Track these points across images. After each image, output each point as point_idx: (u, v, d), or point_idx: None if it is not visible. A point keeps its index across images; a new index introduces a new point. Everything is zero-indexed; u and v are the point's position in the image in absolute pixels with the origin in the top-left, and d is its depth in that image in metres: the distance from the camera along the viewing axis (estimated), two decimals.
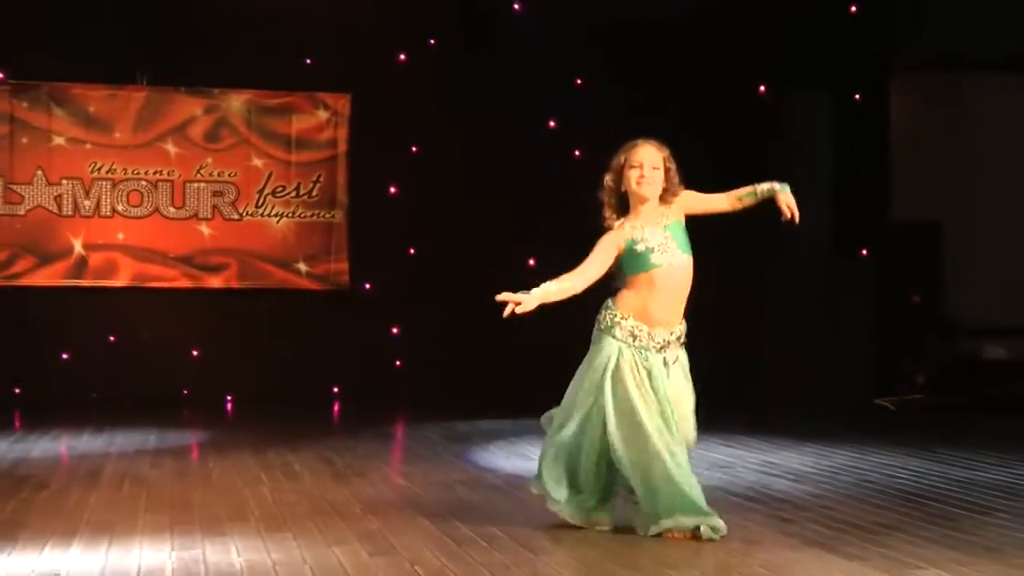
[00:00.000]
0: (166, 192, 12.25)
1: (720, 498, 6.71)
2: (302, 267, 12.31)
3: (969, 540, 5.67)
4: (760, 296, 12.15)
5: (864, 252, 12.47)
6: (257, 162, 12.36)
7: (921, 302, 12.76)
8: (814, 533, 5.83)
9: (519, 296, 5.55)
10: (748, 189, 5.91)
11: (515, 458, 8.42)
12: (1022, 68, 12.49)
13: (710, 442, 9.11)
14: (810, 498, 6.81)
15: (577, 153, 12.05)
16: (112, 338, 11.98)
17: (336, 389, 12.37)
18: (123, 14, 11.69)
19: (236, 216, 12.30)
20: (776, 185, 5.91)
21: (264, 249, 12.36)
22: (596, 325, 5.83)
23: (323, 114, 12.53)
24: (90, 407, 11.69)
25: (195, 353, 12.10)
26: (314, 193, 12.43)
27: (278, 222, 12.37)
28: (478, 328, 12.04)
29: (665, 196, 5.83)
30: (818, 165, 12.46)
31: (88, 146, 12.12)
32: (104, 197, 12.14)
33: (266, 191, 12.38)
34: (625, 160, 5.83)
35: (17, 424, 10.59)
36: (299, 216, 12.38)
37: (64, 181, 12.07)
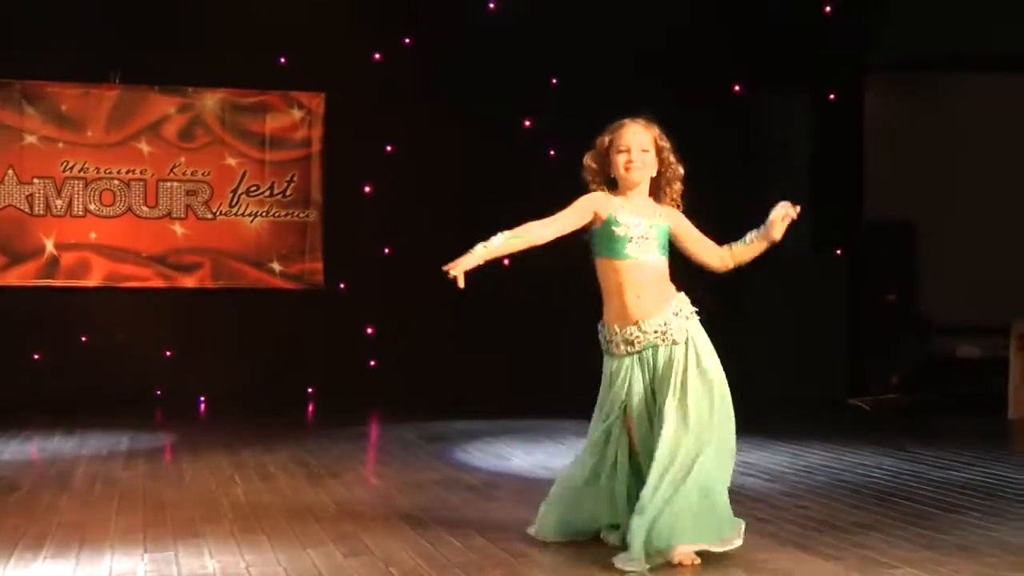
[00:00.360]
0: (139, 191, 12.19)
1: None
2: (276, 267, 12.28)
3: (944, 539, 5.69)
4: (734, 294, 12.17)
5: (839, 251, 12.53)
6: (231, 161, 12.32)
7: (896, 301, 12.81)
8: (790, 533, 5.85)
9: (458, 261, 5.06)
10: (740, 246, 5.51)
11: (491, 458, 8.43)
12: (997, 67, 12.55)
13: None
14: (785, 498, 6.84)
15: (553, 152, 12.05)
16: (84, 338, 11.92)
17: (310, 389, 12.34)
18: (96, 12, 11.61)
19: (210, 215, 12.26)
20: (763, 231, 5.45)
21: (238, 249, 12.32)
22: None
23: (297, 113, 12.49)
24: (62, 408, 11.63)
25: (168, 353, 12.05)
26: (288, 192, 12.40)
27: (252, 221, 12.33)
28: (453, 328, 12.13)
29: (661, 183, 5.37)
30: (793, 164, 12.53)
31: (60, 145, 12.05)
32: (76, 196, 12.07)
33: (240, 190, 12.34)
34: (611, 142, 5.35)
35: None
36: (273, 215, 12.34)
37: (36, 180, 12.00)
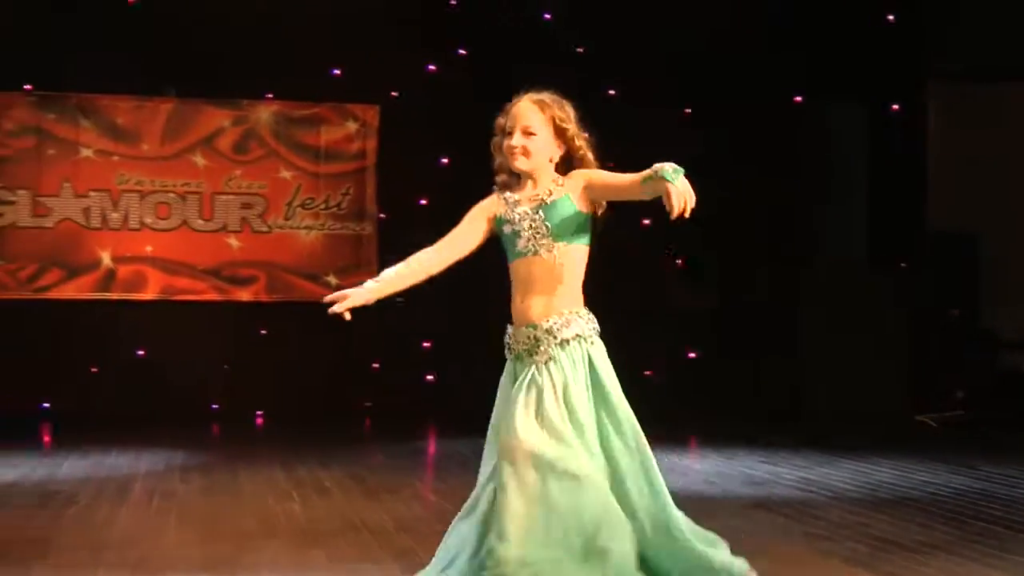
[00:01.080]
0: (194, 204, 12.29)
1: (757, 516, 6.68)
2: (332, 280, 12.31)
3: (1013, 560, 5.62)
4: (795, 309, 12.13)
5: (902, 264, 12.42)
6: (285, 174, 12.39)
7: (960, 315, 12.67)
8: (853, 552, 5.79)
9: (348, 291, 4.57)
10: (648, 172, 4.29)
11: None
12: None
13: (746, 459, 9.09)
14: (849, 516, 6.77)
15: (612, 166, 12.01)
16: (141, 352, 12.01)
17: (368, 404, 12.37)
18: (150, 25, 11.73)
19: (265, 228, 12.33)
20: (668, 171, 4.18)
21: (293, 262, 12.38)
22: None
23: (352, 125, 12.55)
24: (119, 421, 11.74)
25: (225, 367, 12.12)
26: (343, 205, 12.45)
27: (307, 234, 12.40)
28: None
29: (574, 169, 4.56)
30: (855, 177, 12.44)
31: (116, 158, 12.17)
32: (132, 209, 12.18)
33: (295, 203, 12.41)
34: (504, 124, 4.62)
35: (46, 439, 10.65)
36: (328, 228, 12.39)
37: (92, 193, 12.12)
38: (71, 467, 8.73)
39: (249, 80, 12.17)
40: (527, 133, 4.53)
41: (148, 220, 12.20)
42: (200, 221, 12.30)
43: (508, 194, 4.57)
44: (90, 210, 12.10)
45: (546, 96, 4.72)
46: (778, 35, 12.19)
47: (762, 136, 12.22)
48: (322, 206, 12.39)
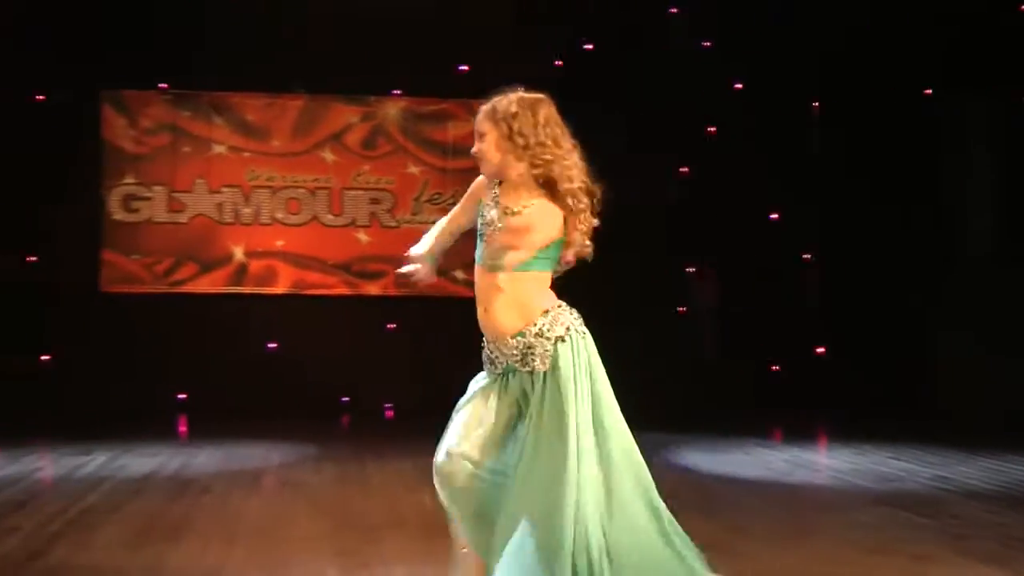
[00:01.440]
0: (324, 199, 12.48)
1: (889, 513, 6.60)
2: (459, 275, 12.39)
3: None
4: (929, 304, 11.94)
5: None
6: (413, 169, 12.52)
7: None
8: (989, 551, 5.69)
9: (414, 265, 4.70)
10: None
11: (720, 461, 8.39)
12: None
13: (878, 454, 8.97)
14: (985, 514, 6.65)
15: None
16: (272, 345, 12.22)
17: None
18: (279, 23, 11.93)
19: (393, 223, 12.46)
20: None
21: None
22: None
23: None
24: (251, 413, 11.98)
25: (354, 360, 12.27)
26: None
27: None
28: (647, 337, 12.14)
29: (552, 178, 4.38)
30: (981, 169, 12.19)
31: (247, 154, 12.41)
32: (263, 205, 12.41)
33: (423, 198, 12.53)
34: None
35: (182, 430, 10.91)
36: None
37: (224, 189, 12.38)
38: (206, 457, 8.93)
39: (377, 77, 12.31)
40: (480, 136, 4.44)
41: (279, 215, 12.42)
42: (329, 216, 12.49)
43: (496, 190, 4.45)
44: (223, 206, 12.35)
45: (503, 102, 4.50)
46: (908, 28, 11.98)
47: (890, 131, 12.04)
48: (450, 201, 12.46)
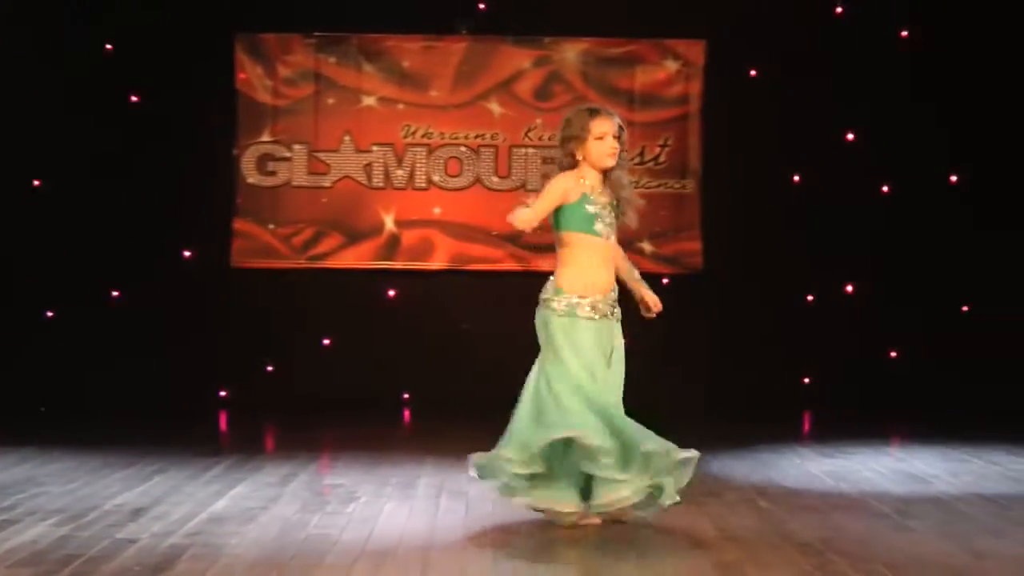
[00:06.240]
0: (489, 159, 12.54)
1: None
2: (646, 247, 12.36)
3: None
4: None
5: None
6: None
7: None
8: None
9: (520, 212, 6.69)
10: (638, 279, 7.08)
11: (906, 480, 8.24)
12: None
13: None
14: None
15: None
16: (428, 327, 12.31)
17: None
18: None
19: None
20: (644, 285, 7.05)
21: None
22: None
23: (672, 65, 12.54)
24: (403, 406, 12.13)
25: (524, 347, 12.27)
26: (661, 159, 12.46)
27: None
28: (864, 316, 11.99)
29: (611, 171, 6.84)
30: None
31: (401, 107, 12.53)
32: (419, 166, 12.52)
33: None
34: (590, 129, 6.79)
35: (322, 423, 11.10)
36: (643, 186, 12.35)
37: (374, 148, 12.52)
38: (347, 459, 9.05)
39: (553, 14, 12.30)
40: (615, 137, 6.85)
41: (436, 178, 12.52)
42: (495, 179, 12.54)
43: (583, 179, 6.85)
44: (372, 167, 12.49)
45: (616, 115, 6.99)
46: None
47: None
48: (636, 160, 12.41)
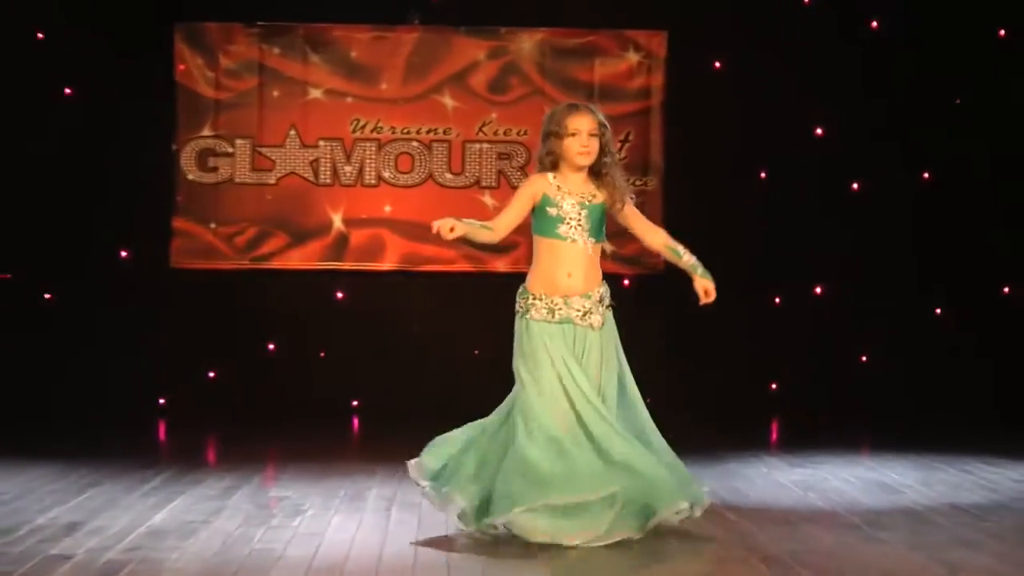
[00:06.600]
0: (442, 155, 12.53)
1: None
2: (606, 246, 12.32)
3: None
4: None
5: None
6: None
7: None
8: None
9: (450, 220, 6.60)
10: (678, 248, 7.13)
11: (876, 490, 8.27)
12: None
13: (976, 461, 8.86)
14: None
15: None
16: (378, 332, 12.29)
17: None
18: None
19: None
20: (700, 268, 7.12)
21: None
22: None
23: (633, 57, 12.57)
24: (352, 414, 12.11)
25: (476, 352, 12.30)
26: (622, 155, 12.47)
27: None
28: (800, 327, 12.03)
29: (599, 170, 6.83)
30: None
31: (349, 100, 12.51)
32: (368, 161, 12.50)
33: None
34: (564, 126, 6.77)
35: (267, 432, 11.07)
36: None
37: (321, 143, 12.49)
38: (296, 469, 9.02)
39: (508, 3, 12.32)
40: (591, 135, 6.80)
41: (387, 174, 12.50)
42: (449, 175, 12.53)
43: (556, 180, 6.85)
44: (319, 163, 12.47)
45: (599, 111, 6.97)
46: None
47: None
48: None
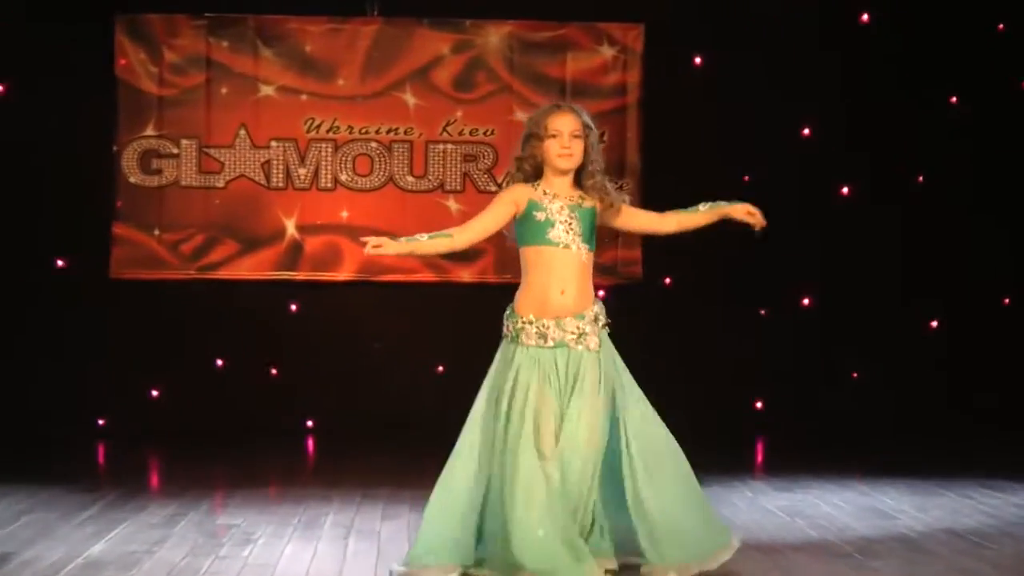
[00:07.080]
0: (403, 156, 12.50)
1: None
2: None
3: None
4: None
5: None
6: (521, 115, 12.44)
7: None
8: None
9: (383, 239, 6.37)
10: (695, 209, 6.85)
11: (870, 515, 8.27)
12: None
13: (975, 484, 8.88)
14: None
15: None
16: (332, 346, 12.27)
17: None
18: None
19: (494, 188, 12.43)
20: (723, 202, 6.82)
21: None
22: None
23: (608, 51, 12.56)
24: (306, 435, 12.06)
25: (440, 368, 12.28)
26: None
27: None
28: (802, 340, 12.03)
29: (584, 174, 6.63)
30: None
31: (303, 97, 12.47)
32: (324, 163, 12.46)
33: None
34: (544, 127, 6.58)
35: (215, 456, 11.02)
36: None
37: (273, 143, 12.44)
38: (245, 496, 8.97)
39: None
40: (575, 136, 6.60)
41: (344, 177, 12.47)
42: (410, 178, 12.51)
43: (541, 186, 6.61)
44: (271, 164, 12.43)
45: (584, 112, 6.80)
46: None
47: None
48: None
